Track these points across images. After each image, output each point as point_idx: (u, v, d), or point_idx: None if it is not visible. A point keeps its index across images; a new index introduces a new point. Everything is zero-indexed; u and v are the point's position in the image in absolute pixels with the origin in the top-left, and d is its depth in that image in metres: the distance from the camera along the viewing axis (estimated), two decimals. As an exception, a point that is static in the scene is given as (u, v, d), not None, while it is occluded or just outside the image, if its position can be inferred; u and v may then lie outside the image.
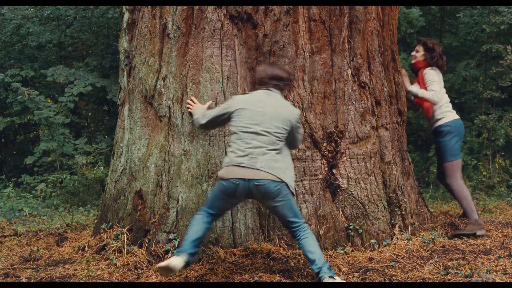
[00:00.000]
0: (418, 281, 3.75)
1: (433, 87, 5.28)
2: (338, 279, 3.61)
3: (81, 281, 3.98)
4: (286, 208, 3.77)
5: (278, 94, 3.97)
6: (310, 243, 3.75)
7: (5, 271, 4.27)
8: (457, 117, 5.40)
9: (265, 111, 3.84)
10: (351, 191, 4.62)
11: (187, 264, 3.69)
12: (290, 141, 3.95)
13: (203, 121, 4.07)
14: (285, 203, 3.77)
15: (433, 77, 5.33)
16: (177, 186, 4.37)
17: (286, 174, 3.79)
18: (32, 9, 11.63)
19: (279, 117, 3.83)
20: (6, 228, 6.16)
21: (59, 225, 5.98)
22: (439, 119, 5.34)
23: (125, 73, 5.00)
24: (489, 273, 3.82)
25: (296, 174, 4.46)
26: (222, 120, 4.02)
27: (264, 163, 3.74)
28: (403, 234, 4.78)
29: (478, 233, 4.97)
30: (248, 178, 3.71)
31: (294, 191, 3.88)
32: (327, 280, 3.60)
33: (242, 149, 3.78)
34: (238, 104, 3.90)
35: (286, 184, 3.77)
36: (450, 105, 5.45)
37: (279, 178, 3.73)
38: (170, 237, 4.30)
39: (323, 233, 4.46)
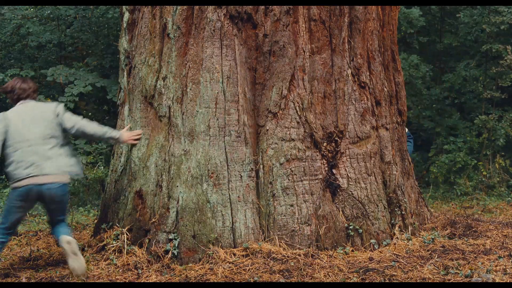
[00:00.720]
0: (418, 281, 3.75)
1: None
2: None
3: (81, 281, 3.98)
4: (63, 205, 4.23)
5: (32, 101, 4.28)
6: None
7: (5, 271, 4.27)
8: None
9: (25, 119, 4.15)
10: (351, 191, 4.62)
11: None
12: (78, 133, 4.27)
13: None
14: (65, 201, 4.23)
15: None
16: (177, 186, 4.37)
17: (71, 167, 4.21)
18: (32, 9, 11.63)
19: (39, 118, 4.15)
20: (6, 228, 6.15)
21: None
22: None
23: (125, 73, 5.00)
24: (489, 273, 3.82)
25: (296, 174, 4.46)
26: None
27: (50, 166, 4.08)
28: (403, 234, 4.78)
29: None
30: (40, 183, 4.05)
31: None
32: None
33: (26, 161, 4.06)
34: (5, 125, 4.14)
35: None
36: None
37: (66, 177, 4.16)
38: (170, 237, 4.30)
39: (323, 233, 4.46)
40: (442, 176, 9.02)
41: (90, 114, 12.43)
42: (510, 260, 4.18)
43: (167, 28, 4.58)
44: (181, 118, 4.45)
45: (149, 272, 4.07)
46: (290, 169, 4.46)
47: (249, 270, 4.00)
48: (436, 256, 4.31)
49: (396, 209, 4.87)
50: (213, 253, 4.18)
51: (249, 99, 4.56)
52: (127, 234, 4.45)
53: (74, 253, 3.99)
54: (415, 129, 10.34)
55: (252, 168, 4.45)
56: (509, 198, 7.82)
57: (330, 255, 4.33)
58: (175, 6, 4.56)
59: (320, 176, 4.56)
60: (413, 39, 10.96)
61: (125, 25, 5.02)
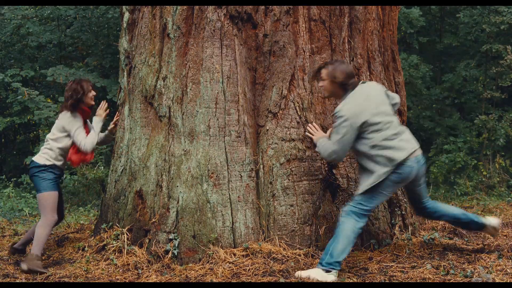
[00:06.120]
0: (418, 281, 3.75)
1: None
2: None
3: (81, 281, 3.98)
4: None
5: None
6: None
7: (5, 271, 4.27)
8: None
9: None
10: (351, 191, 4.62)
11: None
12: None
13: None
14: None
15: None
16: (177, 186, 4.37)
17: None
18: (32, 9, 11.64)
19: None
20: (6, 228, 6.16)
21: (59, 225, 5.98)
22: None
23: (125, 73, 5.00)
24: (489, 273, 3.82)
25: (296, 174, 4.46)
26: None
27: None
28: (403, 234, 4.78)
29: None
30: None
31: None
32: None
33: None
34: None
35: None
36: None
37: None
38: (170, 237, 4.30)
39: (323, 233, 4.45)
40: (442, 176, 9.02)
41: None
42: (510, 260, 4.18)
43: (167, 28, 4.58)
44: (181, 118, 4.45)
45: (149, 272, 4.07)
46: (290, 169, 4.46)
47: (249, 270, 4.00)
48: (436, 256, 4.31)
49: (396, 209, 4.87)
50: (213, 253, 4.19)
51: (249, 99, 4.56)
52: (127, 234, 4.45)
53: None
54: (415, 129, 10.34)
55: (252, 168, 4.45)
56: (509, 198, 7.82)
57: (330, 255, 4.32)
58: (175, 6, 4.56)
59: (320, 176, 4.56)
60: (413, 39, 10.97)
61: (125, 25, 5.02)
